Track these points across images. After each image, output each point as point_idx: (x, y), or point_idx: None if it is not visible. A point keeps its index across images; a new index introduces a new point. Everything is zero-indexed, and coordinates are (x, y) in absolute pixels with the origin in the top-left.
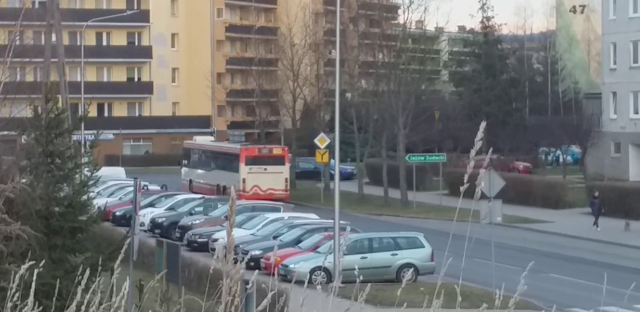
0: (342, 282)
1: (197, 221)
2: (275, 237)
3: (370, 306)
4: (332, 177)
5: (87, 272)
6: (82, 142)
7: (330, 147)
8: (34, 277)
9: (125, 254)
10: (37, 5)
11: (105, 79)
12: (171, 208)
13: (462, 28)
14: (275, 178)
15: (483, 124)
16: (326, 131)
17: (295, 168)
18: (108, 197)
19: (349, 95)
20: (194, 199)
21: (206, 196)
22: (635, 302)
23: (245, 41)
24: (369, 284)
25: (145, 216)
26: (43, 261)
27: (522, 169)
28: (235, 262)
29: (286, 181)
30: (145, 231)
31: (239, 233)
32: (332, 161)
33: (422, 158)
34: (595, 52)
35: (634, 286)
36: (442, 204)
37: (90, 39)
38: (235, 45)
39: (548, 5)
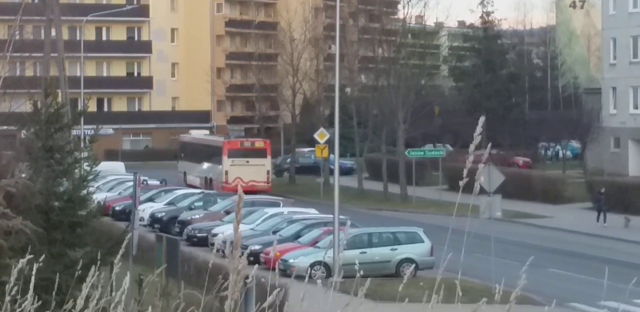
0: (342, 277)
1: (197, 216)
2: (274, 232)
3: (370, 301)
4: (331, 172)
5: (90, 267)
6: (82, 137)
7: (330, 142)
8: (34, 272)
9: (124, 248)
10: (36, 0)
11: (104, 74)
12: (171, 203)
13: (462, 23)
14: (257, 170)
15: (482, 119)
16: (326, 126)
17: (295, 163)
18: (107, 191)
19: (348, 90)
20: (193, 194)
21: (193, 189)
22: (636, 297)
23: (245, 36)
24: (369, 279)
25: (145, 210)
26: (43, 256)
27: (522, 164)
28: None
29: (268, 173)
30: (144, 226)
31: None
32: (331, 155)
33: (422, 153)
34: (595, 47)
35: (635, 281)
36: (442, 199)
37: (89, 34)
38: (235, 40)
39: (548, 0)
